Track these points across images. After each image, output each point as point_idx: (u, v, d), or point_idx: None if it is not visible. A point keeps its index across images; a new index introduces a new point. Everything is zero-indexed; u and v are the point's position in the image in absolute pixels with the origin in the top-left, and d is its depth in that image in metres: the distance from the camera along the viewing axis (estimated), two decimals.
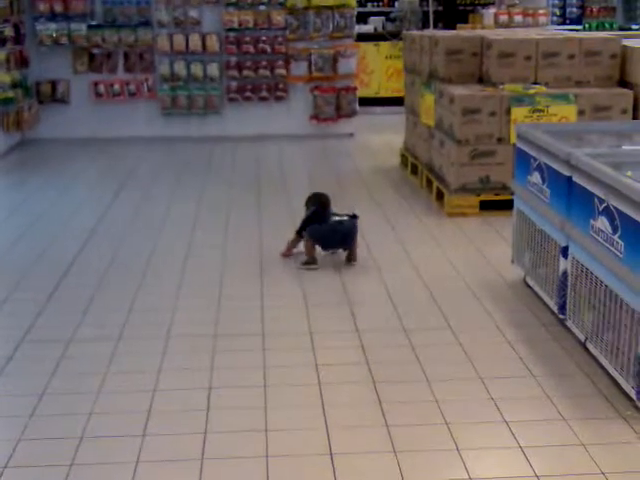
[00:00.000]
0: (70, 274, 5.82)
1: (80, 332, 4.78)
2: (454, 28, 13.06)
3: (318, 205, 6.17)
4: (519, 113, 7.10)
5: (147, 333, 4.78)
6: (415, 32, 10.09)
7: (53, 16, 11.05)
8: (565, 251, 4.58)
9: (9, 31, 10.34)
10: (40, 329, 4.85)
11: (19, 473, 3.39)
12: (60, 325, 4.89)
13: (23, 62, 10.87)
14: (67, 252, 6.30)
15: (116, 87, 11.21)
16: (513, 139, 6.59)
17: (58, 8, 11.05)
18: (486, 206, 7.20)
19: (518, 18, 14.28)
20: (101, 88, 11.21)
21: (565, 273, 4.59)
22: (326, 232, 6.02)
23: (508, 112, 7.12)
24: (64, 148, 10.64)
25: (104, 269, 5.91)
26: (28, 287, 5.59)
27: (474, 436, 3.64)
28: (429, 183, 8.00)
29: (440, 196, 7.54)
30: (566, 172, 4.53)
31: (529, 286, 5.33)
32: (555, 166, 4.71)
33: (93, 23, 11.11)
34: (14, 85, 10.39)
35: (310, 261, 5.96)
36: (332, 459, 3.45)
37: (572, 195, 4.48)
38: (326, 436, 3.63)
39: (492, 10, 14.38)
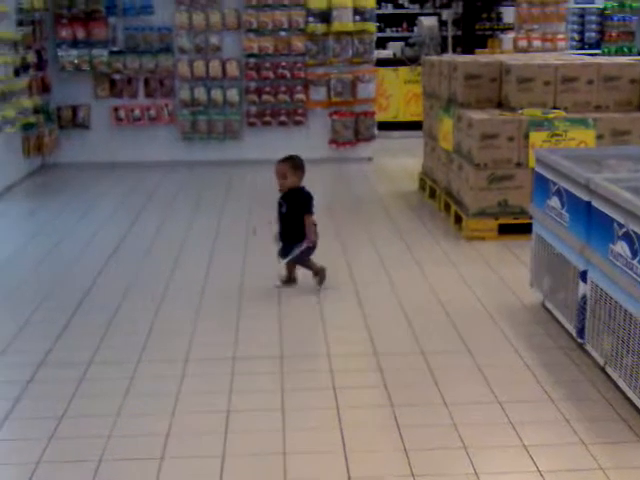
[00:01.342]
0: (89, 297, 5.86)
1: (99, 355, 4.81)
2: (473, 53, 13.12)
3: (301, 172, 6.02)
4: (537, 138, 7.11)
5: (166, 356, 4.79)
6: (434, 57, 10.13)
7: (75, 42, 11.16)
8: (584, 275, 4.57)
9: (31, 57, 10.45)
10: (60, 352, 4.88)
11: None
12: (80, 348, 4.91)
13: (45, 88, 10.98)
14: (87, 276, 6.34)
15: (137, 112, 11.30)
16: (532, 163, 6.60)
17: (80, 35, 11.16)
18: (504, 230, 7.20)
19: (537, 43, 14.34)
20: (122, 113, 11.30)
21: (584, 297, 4.58)
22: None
23: (526, 137, 7.13)
24: (84, 173, 10.72)
25: (123, 292, 5.94)
26: (48, 310, 5.62)
27: (493, 460, 3.63)
28: (447, 207, 8.01)
29: (458, 220, 7.54)
30: (585, 197, 4.53)
31: (548, 310, 5.32)
32: (574, 191, 4.71)
33: (115, 49, 11.22)
34: (36, 110, 10.50)
35: (293, 279, 6.01)
36: None
37: (591, 220, 4.48)
38: (344, 460, 3.63)
39: (511, 35, 14.43)
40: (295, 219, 5.86)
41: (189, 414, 4.09)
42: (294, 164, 5.95)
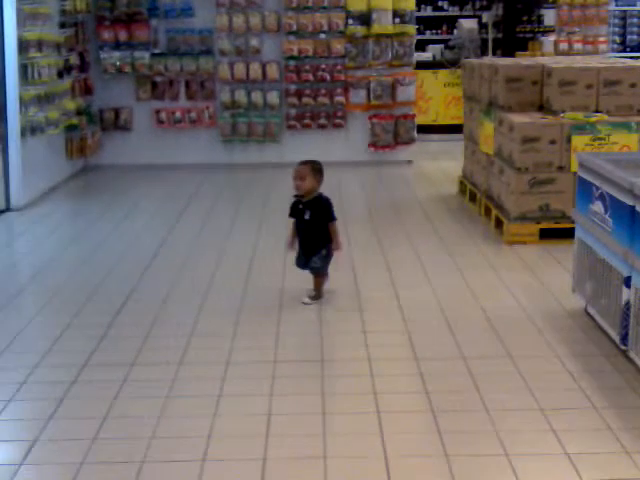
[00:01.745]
0: (132, 299, 5.91)
1: (142, 357, 4.84)
2: (513, 56, 13.04)
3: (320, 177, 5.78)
4: (580, 141, 7.06)
5: (207, 359, 4.82)
6: (475, 60, 10.09)
7: (117, 45, 11.26)
8: (628, 281, 4.53)
9: (74, 59, 10.56)
10: (103, 353, 4.92)
11: None
12: (122, 349, 4.95)
13: (87, 90, 11.09)
14: (129, 278, 6.39)
15: (177, 114, 11.37)
16: (573, 167, 6.57)
17: (122, 37, 11.26)
18: (546, 234, 7.15)
19: (578, 46, 14.23)
20: (163, 115, 11.38)
21: (628, 303, 4.54)
22: None
23: (568, 140, 7.08)
24: (126, 174, 10.81)
25: (165, 294, 5.98)
26: (91, 311, 5.68)
27: (535, 468, 3.60)
28: (488, 211, 7.97)
29: (499, 224, 7.51)
30: (629, 201, 4.50)
31: (590, 316, 5.28)
32: (618, 195, 4.67)
33: (156, 51, 11.30)
34: (78, 112, 10.60)
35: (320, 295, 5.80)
36: None
37: (635, 225, 4.44)
38: (385, 465, 3.62)
39: (552, 38, 14.33)
40: (318, 227, 5.71)
41: (230, 416, 4.11)
42: (315, 167, 5.76)
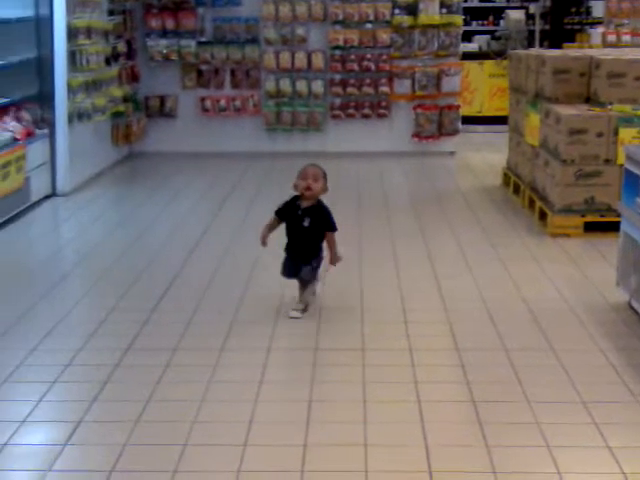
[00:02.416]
0: (175, 285, 5.96)
1: (184, 342, 4.89)
2: (560, 47, 12.92)
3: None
4: (627, 134, 6.99)
5: (249, 345, 4.85)
6: (521, 51, 10.02)
7: (164, 33, 11.33)
8: None
9: (122, 47, 10.64)
10: (146, 337, 4.97)
11: (125, 477, 3.48)
12: (165, 334, 5.00)
13: (134, 77, 11.18)
14: (173, 262, 6.45)
15: (222, 103, 11.42)
16: (620, 160, 6.51)
17: (169, 25, 11.33)
18: (590, 227, 7.10)
19: (626, 38, 14.04)
20: (208, 103, 11.43)
21: None
22: None
23: (616, 133, 7.02)
24: (170, 161, 10.89)
25: (208, 281, 6.02)
26: (135, 297, 5.74)
27: (576, 460, 3.59)
28: (532, 203, 7.93)
29: (543, 216, 7.46)
30: None
31: (634, 310, 5.23)
32: None
33: (202, 40, 11.35)
34: (125, 99, 10.69)
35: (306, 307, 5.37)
36: (431, 477, 3.45)
37: None
38: (425, 453, 3.63)
39: (600, 29, 14.17)
40: (315, 235, 5.28)
41: (272, 403, 4.14)
42: (324, 172, 5.28)
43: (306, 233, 5.26)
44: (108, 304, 5.52)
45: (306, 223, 5.23)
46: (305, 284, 5.34)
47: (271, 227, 5.36)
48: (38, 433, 3.87)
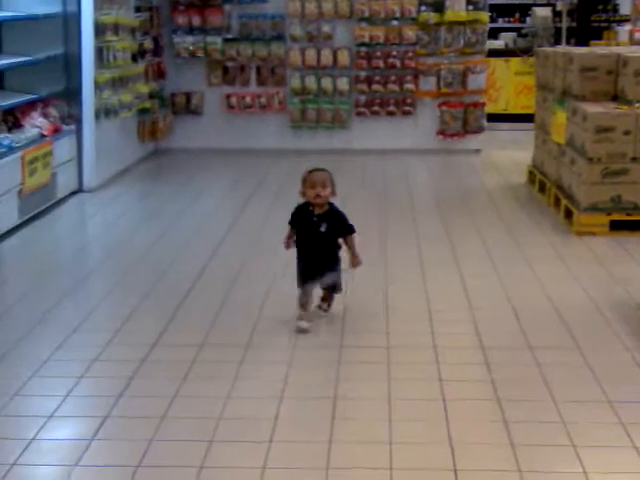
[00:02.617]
0: (200, 281, 5.98)
1: (210, 338, 4.91)
2: (587, 45, 12.86)
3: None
4: None
5: (274, 342, 4.86)
6: (548, 48, 9.97)
7: (190, 29, 11.36)
8: None
9: (148, 43, 10.69)
10: (172, 334, 5.00)
11: (151, 472, 3.50)
12: (191, 330, 5.02)
13: (160, 74, 11.22)
14: (197, 260, 6.47)
15: (248, 100, 11.44)
16: None
17: (196, 22, 11.36)
18: (617, 226, 7.07)
19: None
20: (233, 100, 11.46)
21: None
22: None
23: None
24: (196, 158, 10.93)
25: (233, 277, 6.04)
26: (161, 293, 5.77)
27: (602, 460, 3.57)
28: (557, 201, 7.89)
29: (568, 214, 7.42)
30: None
31: None
32: None
33: (228, 37, 11.37)
34: (151, 96, 10.74)
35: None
36: (456, 475, 3.45)
37: None
38: (450, 451, 3.63)
39: (627, 27, 14.08)
40: (333, 240, 5.11)
41: (297, 400, 4.15)
42: (330, 174, 5.17)
43: (324, 239, 5.07)
44: (134, 300, 5.56)
45: (323, 229, 5.05)
46: (332, 290, 5.21)
47: (291, 236, 5.22)
48: (65, 428, 3.90)
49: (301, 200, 5.14)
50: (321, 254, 5.10)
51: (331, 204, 5.11)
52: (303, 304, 5.09)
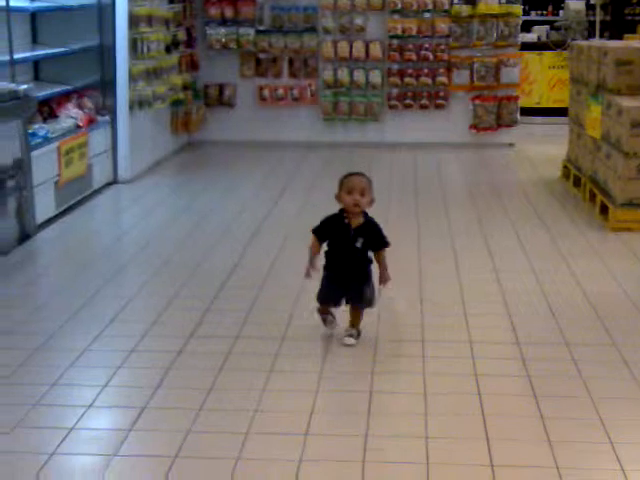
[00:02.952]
0: (235, 273, 6.01)
1: (245, 330, 4.93)
2: (621, 38, 12.75)
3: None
4: None
5: (308, 334, 4.87)
6: (582, 42, 9.90)
7: (223, 21, 11.38)
8: None
9: (182, 35, 10.71)
10: (207, 325, 5.03)
11: (188, 463, 3.52)
12: (226, 323, 5.05)
13: (193, 65, 11.25)
14: (232, 251, 6.50)
15: (280, 92, 11.44)
16: None
17: (228, 13, 11.37)
18: None
19: None
20: (266, 92, 11.46)
21: None
22: None
23: None
24: (229, 150, 10.95)
25: (267, 269, 6.06)
26: (196, 284, 5.80)
27: (639, 457, 3.56)
28: (592, 196, 7.84)
29: (604, 210, 7.38)
30: None
31: None
32: None
33: (261, 28, 11.38)
34: (184, 87, 10.77)
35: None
36: (493, 471, 3.45)
37: None
38: (487, 447, 3.63)
39: None
40: (366, 255, 4.71)
41: (332, 393, 4.16)
42: (370, 182, 4.73)
43: (358, 254, 4.67)
44: (170, 291, 5.59)
45: (359, 244, 4.64)
46: (369, 305, 4.79)
47: (315, 252, 4.74)
48: (104, 418, 3.94)
49: (334, 203, 4.81)
50: (354, 270, 4.69)
51: (366, 214, 4.69)
52: (323, 318, 4.83)
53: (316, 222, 4.83)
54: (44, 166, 7.20)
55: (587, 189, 8.06)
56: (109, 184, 8.75)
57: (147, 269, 6.18)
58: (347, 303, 4.78)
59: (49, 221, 7.24)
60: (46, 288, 5.81)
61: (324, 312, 4.84)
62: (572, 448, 3.63)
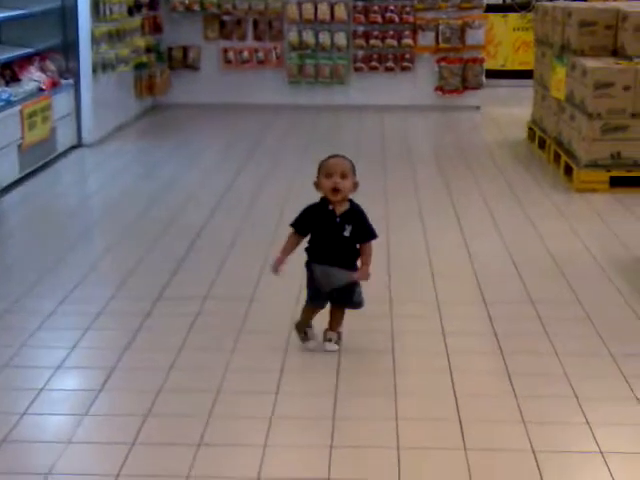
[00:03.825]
0: (202, 236, 6.00)
1: (214, 291, 4.94)
2: (586, 0, 12.77)
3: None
4: None
5: (277, 296, 4.87)
6: (547, 3, 9.90)
7: None
8: None
9: None
10: (175, 287, 5.02)
11: (159, 421, 3.53)
12: (194, 284, 5.05)
13: (157, 28, 11.13)
14: (198, 215, 6.47)
15: (245, 54, 11.36)
16: None
17: None
18: (617, 182, 7.09)
19: None
20: (230, 55, 11.38)
21: None
22: None
23: None
24: (193, 114, 10.88)
25: (235, 232, 6.05)
26: (163, 247, 5.79)
27: (605, 412, 3.61)
28: (557, 157, 7.90)
29: (568, 171, 7.44)
30: None
31: None
32: None
33: None
34: (148, 50, 10.66)
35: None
36: (461, 425, 3.49)
37: None
38: (455, 403, 3.68)
39: None
40: (354, 246, 4.16)
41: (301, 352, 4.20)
42: (353, 165, 4.13)
43: (347, 244, 4.11)
44: (136, 254, 5.58)
45: (347, 233, 4.08)
46: (354, 307, 4.25)
47: (291, 249, 4.19)
48: (73, 378, 3.95)
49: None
50: (340, 264, 4.12)
51: (351, 201, 4.14)
52: (304, 331, 4.26)
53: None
54: (7, 130, 7.13)
55: (552, 150, 8.11)
56: (73, 147, 8.67)
57: (113, 232, 6.16)
58: (334, 303, 4.24)
59: (13, 185, 7.17)
60: (11, 252, 5.78)
61: (306, 324, 4.26)
62: (538, 402, 3.68)
